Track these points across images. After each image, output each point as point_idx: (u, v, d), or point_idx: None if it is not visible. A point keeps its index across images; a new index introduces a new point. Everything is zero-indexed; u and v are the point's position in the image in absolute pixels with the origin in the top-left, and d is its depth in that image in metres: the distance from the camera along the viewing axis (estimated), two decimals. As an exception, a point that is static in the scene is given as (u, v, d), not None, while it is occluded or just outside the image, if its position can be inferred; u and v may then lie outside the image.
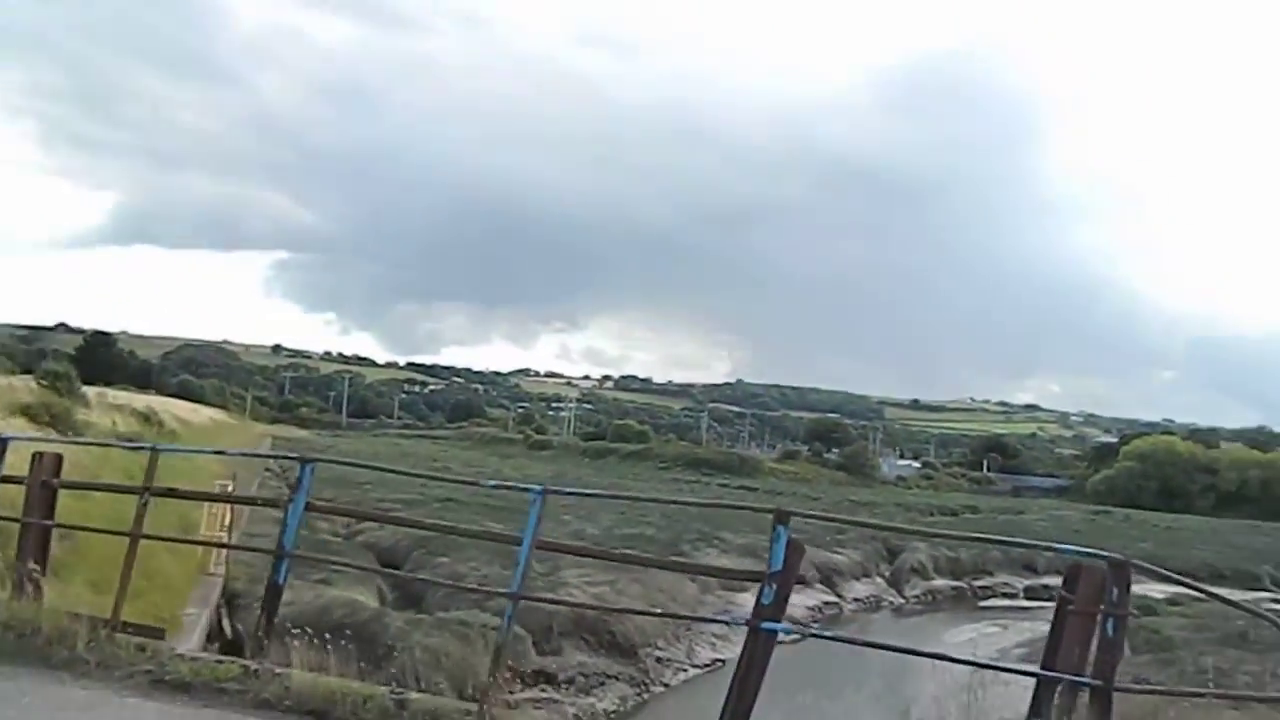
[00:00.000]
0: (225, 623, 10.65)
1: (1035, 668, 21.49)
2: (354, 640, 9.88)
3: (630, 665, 14.85)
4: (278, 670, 4.84)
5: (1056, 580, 27.21)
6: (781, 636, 19.90)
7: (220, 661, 5.05)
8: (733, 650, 18.54)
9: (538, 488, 5.48)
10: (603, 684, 13.80)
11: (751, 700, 5.28)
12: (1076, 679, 4.94)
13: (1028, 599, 30.13)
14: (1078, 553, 5.53)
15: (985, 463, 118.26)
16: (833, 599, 25.37)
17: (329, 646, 5.61)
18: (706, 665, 16.84)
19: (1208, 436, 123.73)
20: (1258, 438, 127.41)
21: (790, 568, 5.19)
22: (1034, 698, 4.97)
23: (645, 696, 14.40)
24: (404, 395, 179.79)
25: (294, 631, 6.09)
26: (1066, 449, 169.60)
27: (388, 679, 11.19)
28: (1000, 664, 5.53)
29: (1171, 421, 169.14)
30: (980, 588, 30.49)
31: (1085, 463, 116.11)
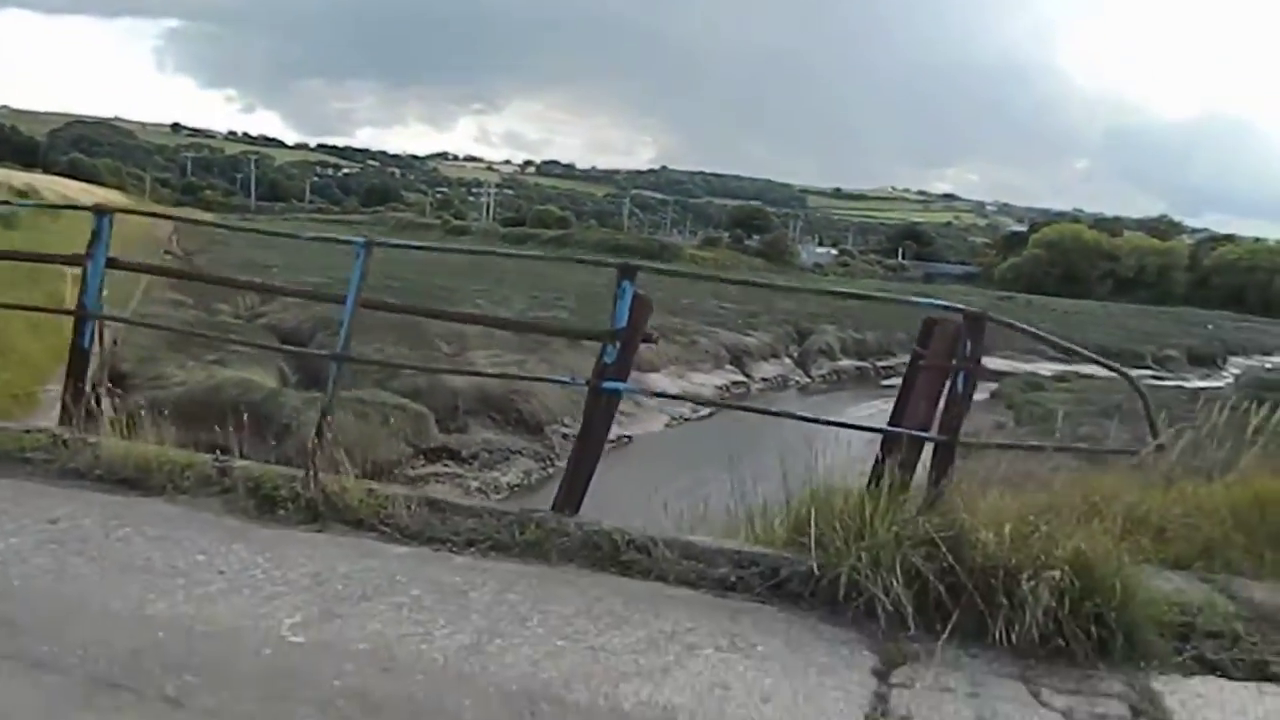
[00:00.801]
0: (102, 403, 10.35)
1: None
2: (249, 420, 9.69)
3: (536, 441, 15.11)
4: (90, 439, 4.60)
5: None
6: (689, 414, 20.14)
7: (28, 431, 4.78)
8: (641, 427, 19.04)
9: (360, 240, 5.09)
10: (508, 459, 14.05)
11: (592, 463, 5.08)
12: (920, 434, 4.80)
13: (927, 378, 31.43)
14: (934, 305, 5.28)
15: (900, 250, 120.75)
16: (741, 379, 26.07)
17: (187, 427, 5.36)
18: (612, 442, 17.29)
19: (1112, 225, 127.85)
20: (1159, 226, 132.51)
21: (635, 325, 4.87)
22: (879, 455, 4.83)
23: (549, 470, 14.72)
24: (316, 178, 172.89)
25: (164, 414, 5.80)
26: (979, 238, 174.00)
27: (281, 458, 11.17)
28: (860, 424, 5.42)
29: (1081, 211, 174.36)
30: (883, 367, 31.61)
31: (995, 251, 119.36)
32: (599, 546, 4.25)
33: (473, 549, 4.26)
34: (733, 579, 4.03)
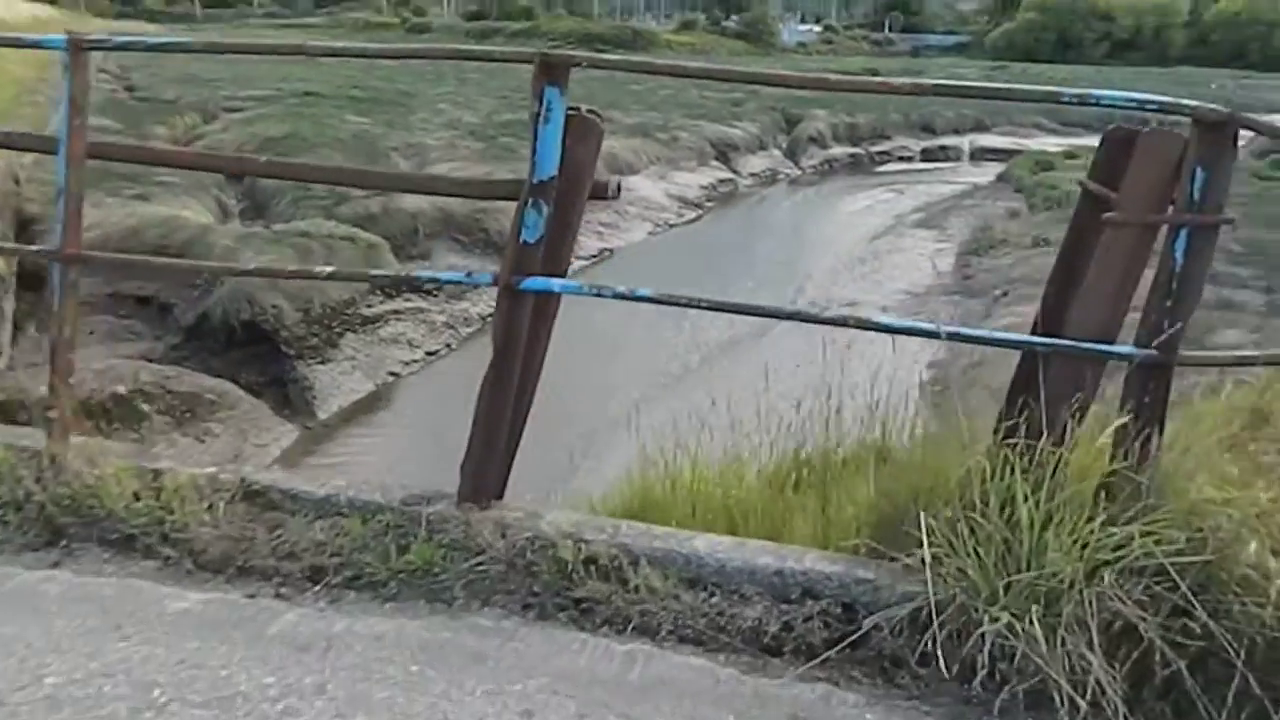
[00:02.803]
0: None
1: (929, 231, 20.65)
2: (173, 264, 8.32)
3: (508, 263, 13.74)
4: None
5: (954, 141, 25.98)
6: (674, 220, 18.43)
7: None
8: (622, 237, 17.62)
9: (59, 38, 3.34)
10: (476, 287, 12.71)
11: (514, 421, 3.14)
12: (1105, 348, 2.70)
13: (924, 161, 29.72)
14: (1126, 103, 2.84)
15: (887, 22, 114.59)
16: (728, 175, 24.36)
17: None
18: (594, 256, 15.93)
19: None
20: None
21: (574, 171, 2.91)
22: (1016, 376, 2.89)
23: (525, 295, 13.46)
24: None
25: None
26: (968, 4, 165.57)
27: (212, 305, 9.88)
28: (974, 333, 3.46)
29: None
30: (877, 153, 29.78)
31: (987, 17, 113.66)
32: (536, 572, 2.66)
33: (317, 587, 2.61)
34: (773, 630, 2.42)
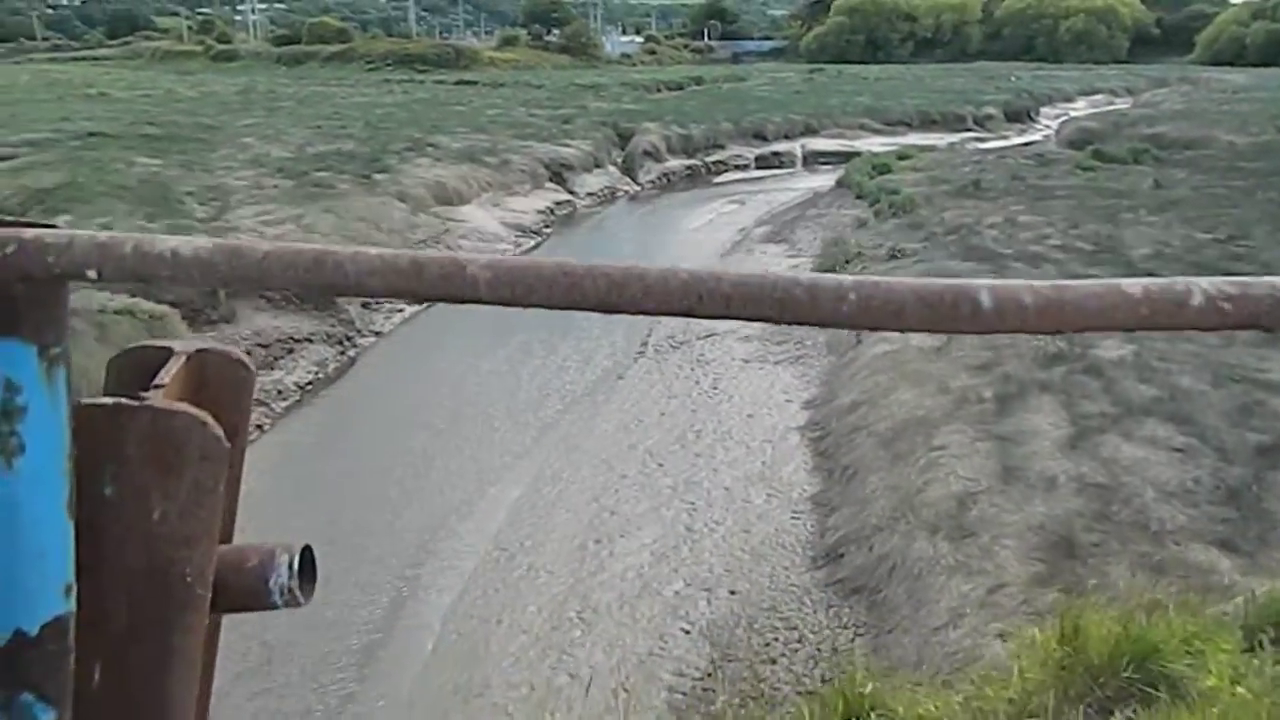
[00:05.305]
0: None
1: (778, 246, 19.91)
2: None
3: (328, 318, 12.18)
4: None
5: (786, 146, 25.95)
6: (509, 247, 17.08)
7: None
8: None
9: None
10: (291, 351, 11.12)
11: None
12: None
13: (760, 168, 29.56)
14: None
15: (705, 31, 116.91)
16: (565, 197, 23.29)
17: None
18: (421, 304, 14.48)
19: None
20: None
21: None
22: None
23: (351, 353, 11.94)
24: (49, 10, 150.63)
25: None
26: (780, 10, 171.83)
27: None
28: None
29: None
30: (714, 163, 29.40)
31: (800, 21, 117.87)
32: None
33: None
34: None
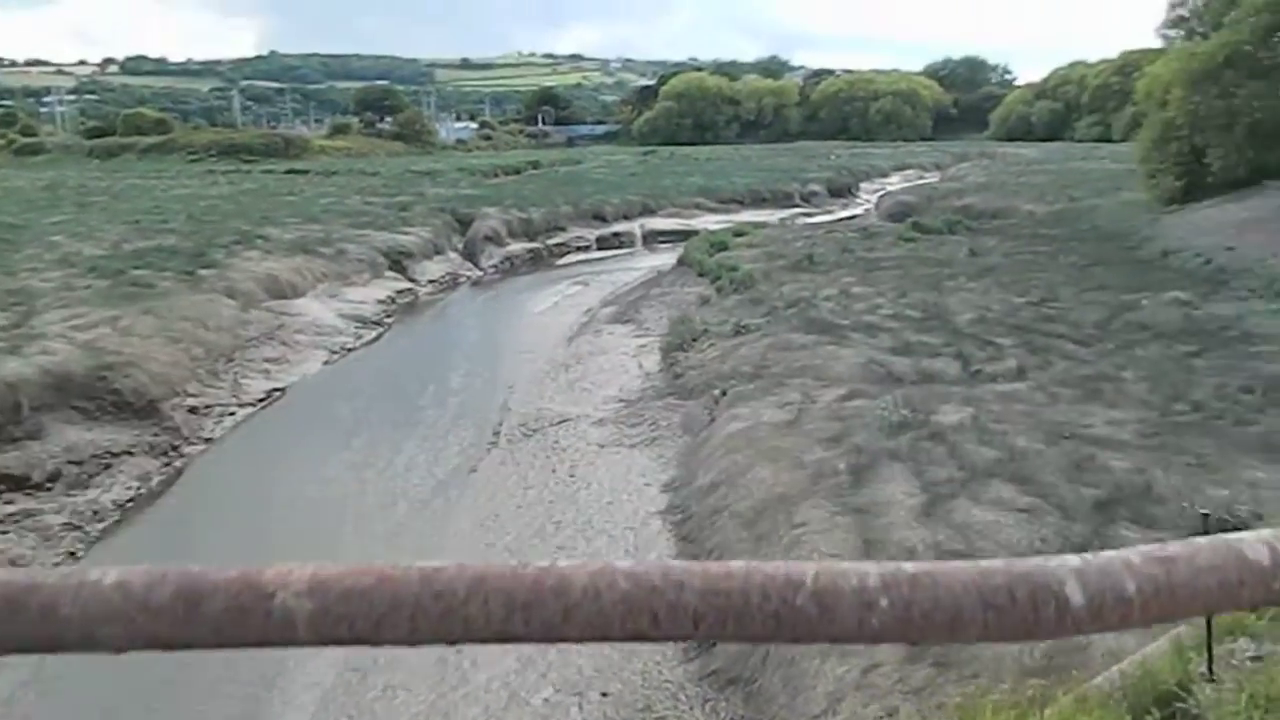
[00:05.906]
0: None
1: (625, 326, 19.96)
2: None
3: (150, 427, 11.27)
4: None
5: (625, 227, 26.45)
6: (351, 342, 16.48)
7: None
8: (300, 370, 15.49)
9: None
10: (109, 466, 10.18)
11: None
12: None
13: (601, 249, 29.89)
14: None
15: (539, 116, 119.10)
16: (406, 285, 22.78)
17: None
18: (262, 399, 13.68)
19: (730, 70, 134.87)
20: (770, 67, 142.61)
21: None
22: None
23: (178, 464, 11.05)
24: None
25: None
26: (610, 96, 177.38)
27: None
28: None
29: (697, 59, 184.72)
30: (555, 245, 29.55)
31: (630, 106, 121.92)
32: None
33: None
34: None
